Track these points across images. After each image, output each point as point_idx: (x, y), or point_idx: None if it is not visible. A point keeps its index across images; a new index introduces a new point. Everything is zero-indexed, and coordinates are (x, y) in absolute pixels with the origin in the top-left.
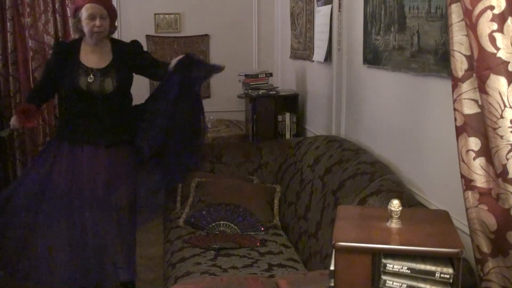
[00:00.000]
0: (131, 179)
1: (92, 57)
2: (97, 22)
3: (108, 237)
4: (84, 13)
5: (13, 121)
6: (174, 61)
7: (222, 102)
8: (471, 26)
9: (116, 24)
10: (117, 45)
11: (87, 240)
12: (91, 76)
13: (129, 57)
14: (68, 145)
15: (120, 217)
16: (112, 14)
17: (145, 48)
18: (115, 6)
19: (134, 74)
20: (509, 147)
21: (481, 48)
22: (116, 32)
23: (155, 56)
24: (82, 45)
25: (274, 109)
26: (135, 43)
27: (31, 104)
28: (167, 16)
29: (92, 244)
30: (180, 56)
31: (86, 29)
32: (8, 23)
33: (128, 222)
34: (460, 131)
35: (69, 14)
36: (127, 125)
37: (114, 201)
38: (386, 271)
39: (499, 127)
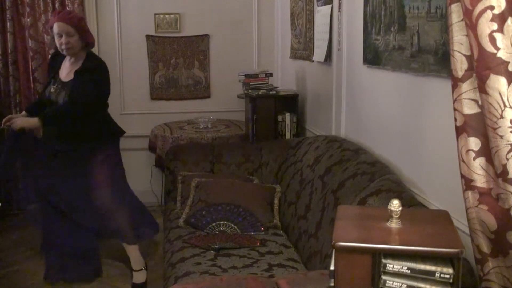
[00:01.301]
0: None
1: (65, 70)
2: (64, 40)
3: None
4: (54, 30)
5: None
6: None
7: (222, 102)
8: (471, 26)
9: (88, 39)
10: (87, 61)
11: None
12: (55, 87)
13: (82, 73)
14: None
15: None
16: (79, 31)
17: (145, 48)
18: (115, 6)
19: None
20: (509, 147)
21: (481, 48)
22: (116, 32)
23: (156, 56)
24: (65, 58)
25: (274, 109)
26: (92, 63)
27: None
28: (167, 16)
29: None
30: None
31: (57, 45)
32: (8, 23)
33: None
34: (460, 131)
35: None
36: (78, 133)
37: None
38: (386, 271)
39: (499, 127)
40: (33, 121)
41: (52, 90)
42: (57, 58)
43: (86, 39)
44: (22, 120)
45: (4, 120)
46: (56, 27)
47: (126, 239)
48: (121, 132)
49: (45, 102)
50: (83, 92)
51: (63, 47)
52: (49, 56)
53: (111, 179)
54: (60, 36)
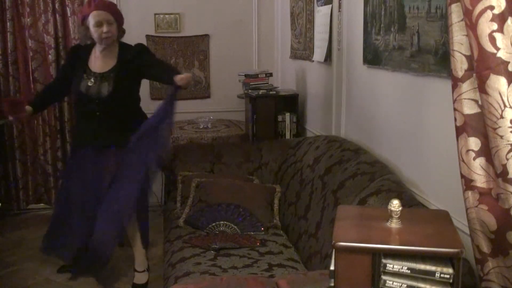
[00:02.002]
0: (124, 179)
1: (98, 62)
2: (104, 28)
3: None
4: (91, 20)
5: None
6: (178, 80)
7: (222, 102)
8: (471, 26)
9: (122, 28)
10: (122, 49)
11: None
12: (92, 80)
13: (131, 61)
14: (78, 148)
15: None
16: (118, 18)
17: None
18: None
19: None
20: (509, 147)
21: (481, 48)
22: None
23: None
24: (92, 50)
25: (274, 109)
26: (138, 46)
27: (20, 97)
28: (167, 16)
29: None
30: (179, 82)
31: (95, 36)
32: (8, 23)
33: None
34: (460, 131)
35: (69, 14)
36: (120, 131)
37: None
38: (386, 271)
39: (499, 127)
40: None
41: (90, 83)
42: (80, 52)
43: (122, 27)
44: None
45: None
46: (95, 16)
47: (146, 241)
48: None
49: (80, 97)
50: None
51: (104, 36)
52: (69, 49)
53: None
54: (100, 25)
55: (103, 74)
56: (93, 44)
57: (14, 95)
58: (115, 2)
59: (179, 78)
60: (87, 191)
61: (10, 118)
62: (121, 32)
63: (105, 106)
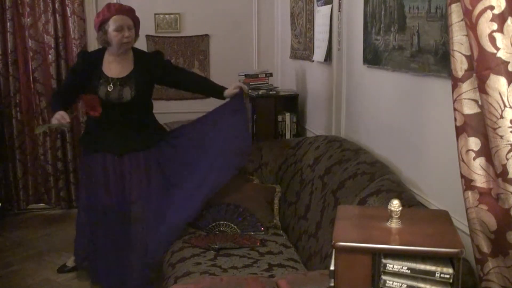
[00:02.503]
0: (144, 186)
1: (114, 67)
2: (126, 33)
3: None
4: (111, 25)
5: (59, 118)
6: (230, 92)
7: (222, 102)
8: (471, 26)
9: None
10: (139, 55)
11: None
12: (111, 85)
13: (149, 68)
14: (93, 155)
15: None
16: (137, 24)
17: (145, 48)
18: None
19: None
20: (509, 147)
21: (481, 48)
22: None
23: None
24: (105, 55)
25: (274, 109)
26: (157, 54)
27: (93, 95)
28: (167, 16)
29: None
30: (235, 90)
31: (114, 41)
32: (8, 23)
33: (141, 230)
34: (460, 131)
35: (69, 14)
36: (144, 134)
37: (129, 211)
38: (386, 271)
39: (499, 127)
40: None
41: (109, 89)
42: (90, 57)
43: (138, 32)
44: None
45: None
46: (116, 20)
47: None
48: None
49: (103, 104)
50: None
51: (125, 40)
52: (78, 53)
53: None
54: (121, 29)
55: (122, 79)
56: (104, 49)
57: (14, 95)
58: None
59: (232, 93)
60: (112, 200)
61: (92, 113)
62: (137, 37)
63: (127, 111)
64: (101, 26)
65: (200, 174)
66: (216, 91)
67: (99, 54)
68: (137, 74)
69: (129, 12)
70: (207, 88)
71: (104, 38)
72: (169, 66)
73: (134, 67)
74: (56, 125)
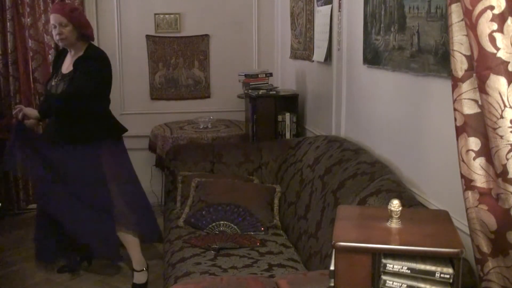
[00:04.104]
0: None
1: (66, 63)
2: (57, 30)
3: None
4: (51, 23)
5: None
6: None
7: (222, 102)
8: (471, 26)
9: (83, 30)
10: (86, 51)
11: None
12: (56, 79)
13: (79, 65)
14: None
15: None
16: (73, 20)
17: (145, 48)
18: (115, 6)
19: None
20: (509, 147)
21: (481, 48)
22: (116, 32)
23: (156, 56)
24: (68, 53)
25: (274, 109)
26: (90, 53)
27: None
28: (167, 16)
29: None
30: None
31: (54, 38)
32: (8, 23)
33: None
34: (460, 131)
35: None
36: (71, 127)
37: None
38: (386, 271)
39: (499, 127)
40: (33, 112)
41: (53, 83)
42: (62, 55)
43: (80, 30)
44: (26, 109)
45: (15, 108)
46: (51, 19)
47: (122, 225)
48: (122, 130)
49: (47, 97)
50: (80, 81)
51: (57, 37)
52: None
53: (116, 177)
54: (55, 27)
55: (64, 75)
56: None
57: (14, 95)
58: (78, 6)
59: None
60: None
61: None
62: (79, 34)
63: (59, 105)
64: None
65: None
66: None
67: (66, 53)
68: (75, 71)
69: (61, 10)
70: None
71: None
72: (77, 73)
73: (76, 63)
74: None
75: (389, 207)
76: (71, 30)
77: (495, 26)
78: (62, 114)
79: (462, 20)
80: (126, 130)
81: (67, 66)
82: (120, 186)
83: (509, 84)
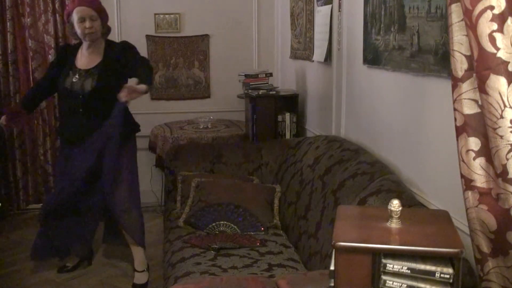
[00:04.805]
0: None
1: (84, 59)
2: (87, 24)
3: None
4: (75, 16)
5: (2, 119)
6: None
7: (222, 102)
8: (471, 26)
9: (108, 24)
10: (109, 46)
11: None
12: (76, 76)
13: (115, 58)
14: (65, 145)
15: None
16: (101, 15)
17: (145, 48)
18: (115, 6)
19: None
20: (509, 147)
21: (481, 48)
22: (116, 32)
23: (156, 56)
24: (80, 48)
25: (274, 109)
26: (122, 44)
27: (22, 108)
28: (167, 16)
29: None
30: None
31: (78, 32)
32: (8, 23)
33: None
34: (460, 131)
35: None
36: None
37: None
38: (386, 271)
39: (499, 127)
40: (142, 87)
41: (74, 80)
42: (68, 50)
43: (106, 24)
44: (131, 88)
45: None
46: (78, 12)
47: (137, 238)
48: (138, 126)
49: (65, 93)
50: (147, 62)
51: (86, 31)
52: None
53: (133, 174)
54: (83, 20)
55: (88, 71)
56: (81, 43)
57: (14, 95)
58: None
59: (123, 95)
60: (75, 188)
61: (7, 125)
62: (106, 29)
63: (88, 102)
64: (68, 19)
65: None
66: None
67: (76, 47)
68: (103, 65)
69: (91, 3)
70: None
71: (71, 30)
72: (131, 58)
73: (102, 59)
74: None
75: (389, 207)
76: (99, 24)
77: (495, 26)
78: (96, 112)
79: (462, 20)
80: (139, 127)
81: (85, 62)
82: (133, 184)
83: (509, 84)
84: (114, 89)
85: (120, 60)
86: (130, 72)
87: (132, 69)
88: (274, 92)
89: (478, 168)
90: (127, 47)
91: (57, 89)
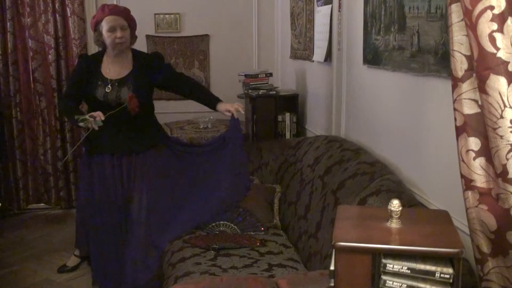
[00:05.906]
0: (148, 184)
1: (112, 68)
2: (118, 34)
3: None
4: (104, 25)
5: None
6: (222, 109)
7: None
8: (471, 26)
9: (134, 35)
10: (137, 56)
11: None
12: (109, 86)
13: (148, 70)
14: (95, 156)
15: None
16: (132, 24)
17: (145, 48)
18: None
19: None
20: (509, 147)
21: (481, 48)
22: None
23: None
24: (104, 57)
25: (274, 109)
26: (157, 57)
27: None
28: (167, 16)
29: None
30: (227, 113)
31: (108, 41)
32: (8, 23)
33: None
34: (460, 131)
35: (69, 14)
36: (144, 135)
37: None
38: (386, 271)
39: (499, 127)
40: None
41: (107, 90)
42: (89, 60)
43: (135, 33)
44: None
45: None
46: (110, 21)
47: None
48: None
49: (97, 104)
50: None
51: (117, 41)
52: (78, 57)
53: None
54: (113, 30)
55: (120, 80)
56: (103, 51)
57: (14, 95)
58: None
59: (228, 110)
60: (110, 200)
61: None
62: (134, 38)
63: (125, 112)
64: (96, 27)
65: (204, 190)
66: (211, 101)
67: (99, 57)
68: (135, 75)
69: (122, 12)
70: (203, 97)
71: (99, 39)
72: (169, 70)
73: (133, 68)
74: (90, 122)
75: (389, 207)
76: (129, 33)
77: (495, 26)
78: (133, 121)
79: (462, 20)
80: None
81: (115, 71)
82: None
83: (509, 84)
84: (147, 98)
85: (152, 72)
86: (185, 92)
87: (188, 89)
88: (274, 92)
89: (478, 168)
90: (160, 62)
91: (87, 100)
